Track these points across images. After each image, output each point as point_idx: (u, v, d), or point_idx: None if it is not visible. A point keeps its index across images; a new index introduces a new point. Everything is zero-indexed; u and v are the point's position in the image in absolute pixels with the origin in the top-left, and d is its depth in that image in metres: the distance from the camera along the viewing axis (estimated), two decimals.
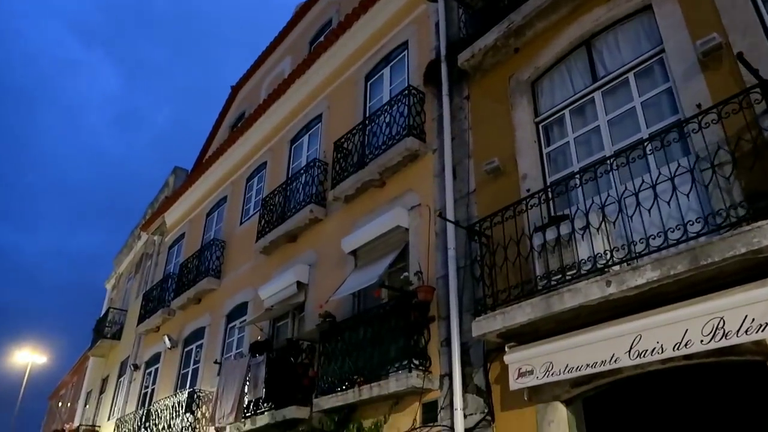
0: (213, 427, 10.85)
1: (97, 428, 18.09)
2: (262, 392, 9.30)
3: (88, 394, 21.88)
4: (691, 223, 4.73)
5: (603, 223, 5.41)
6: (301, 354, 9.13)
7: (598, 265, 5.23)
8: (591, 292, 5.13)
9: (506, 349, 6.02)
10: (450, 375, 6.76)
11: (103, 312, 22.92)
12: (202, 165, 16.25)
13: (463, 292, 7.05)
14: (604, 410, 5.98)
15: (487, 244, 6.48)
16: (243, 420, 9.24)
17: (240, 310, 12.17)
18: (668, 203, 4.96)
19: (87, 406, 21.26)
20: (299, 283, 10.06)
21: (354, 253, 9.24)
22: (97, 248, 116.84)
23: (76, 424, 20.06)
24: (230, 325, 12.43)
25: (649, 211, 5.09)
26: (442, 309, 7.27)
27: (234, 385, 9.52)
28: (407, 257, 8.24)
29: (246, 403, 9.29)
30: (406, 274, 7.76)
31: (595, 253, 5.29)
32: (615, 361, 5.01)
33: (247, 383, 9.49)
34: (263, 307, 10.88)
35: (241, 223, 13.66)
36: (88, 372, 23.03)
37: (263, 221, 11.86)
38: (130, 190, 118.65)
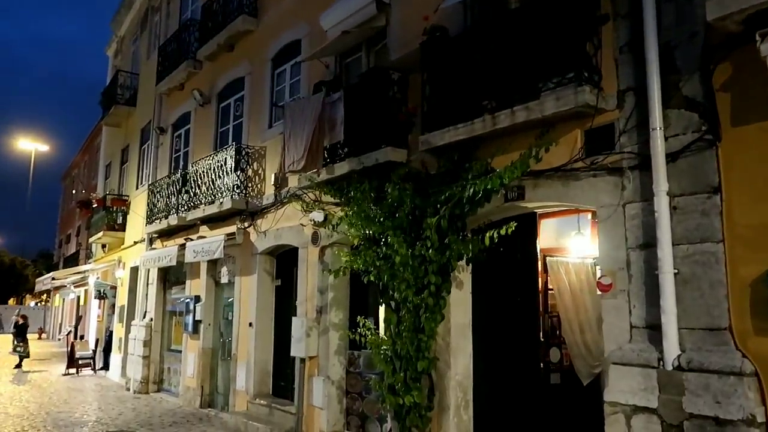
0: (274, 177, 9.51)
1: (124, 197, 17.12)
2: (341, 135, 7.66)
3: (108, 166, 20.68)
4: None
5: None
6: (391, 87, 7.28)
7: None
8: None
9: (757, 37, 4.11)
10: (638, 88, 4.97)
11: (110, 79, 20.69)
12: None
13: None
14: None
15: None
16: (320, 168, 7.72)
17: (290, 51, 10.04)
18: None
19: (108, 179, 20.19)
20: (379, 2, 7.81)
21: None
22: (76, 35, 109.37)
23: (100, 195, 19.13)
24: (278, 71, 10.41)
25: None
26: (621, 2, 5.22)
27: (304, 128, 7.82)
28: None
29: (321, 148, 7.69)
30: None
31: None
32: None
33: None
34: (326, 40, 8.76)
35: None
36: (104, 144, 21.59)
37: None
38: None
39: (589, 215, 7.10)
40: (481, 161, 6.11)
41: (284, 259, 10.06)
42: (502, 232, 5.47)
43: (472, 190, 5.56)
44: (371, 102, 7.38)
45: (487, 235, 5.55)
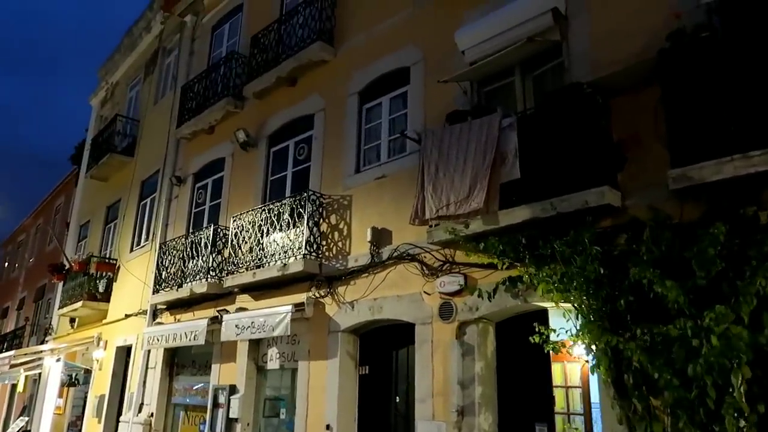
0: (371, 231, 7.42)
1: (112, 261, 14.30)
2: (515, 172, 5.77)
3: (83, 226, 17.73)
4: None
5: None
6: (596, 111, 5.53)
7: None
8: None
9: None
10: None
11: (95, 132, 18.24)
12: None
13: None
14: None
15: None
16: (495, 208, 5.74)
17: (389, 81, 8.25)
18: None
19: (85, 240, 17.21)
20: (555, 13, 6.22)
21: None
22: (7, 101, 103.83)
23: (70, 259, 16.09)
24: (368, 105, 8.56)
25: None
26: None
27: (466, 160, 5.90)
28: None
29: (497, 184, 5.75)
30: None
31: None
32: None
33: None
34: (451, 69, 7.08)
35: None
36: (79, 202, 18.65)
37: None
38: (45, 34, 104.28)
39: None
40: None
41: (372, 340, 7.78)
42: None
43: None
44: (564, 130, 5.59)
45: None
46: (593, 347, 4.78)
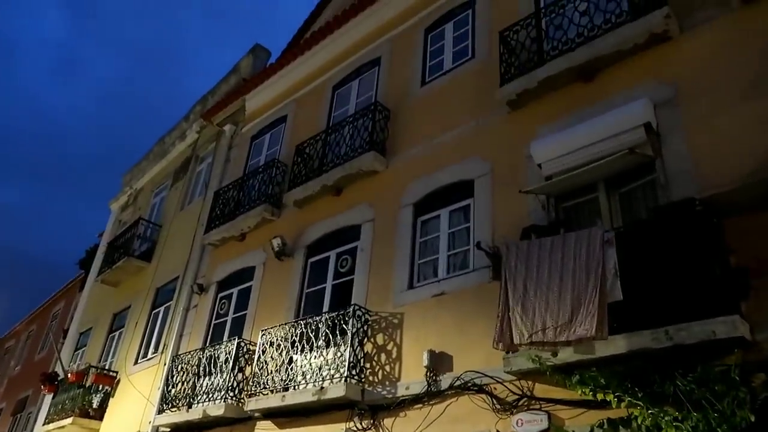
0: (428, 355, 6.52)
1: (112, 374, 13.08)
2: (618, 293, 5.06)
3: (84, 334, 16.57)
4: None
5: None
6: (708, 226, 4.96)
7: None
8: None
9: None
10: None
11: (111, 236, 17.71)
12: (331, 24, 11.66)
13: None
14: None
15: None
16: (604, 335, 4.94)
17: (445, 194, 7.83)
18: None
19: (84, 349, 15.97)
20: (648, 128, 5.88)
21: None
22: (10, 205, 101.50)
23: (60, 369, 14.73)
24: (423, 218, 8.04)
25: None
26: None
27: (567, 275, 5.21)
28: None
29: (605, 307, 5.01)
30: None
31: None
32: None
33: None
34: (522, 182, 6.68)
35: (425, 83, 9.30)
36: (83, 307, 17.63)
37: (504, 64, 7.64)
38: (61, 144, 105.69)
39: None
40: None
41: None
42: None
43: None
44: (676, 250, 4.97)
45: None
46: None
